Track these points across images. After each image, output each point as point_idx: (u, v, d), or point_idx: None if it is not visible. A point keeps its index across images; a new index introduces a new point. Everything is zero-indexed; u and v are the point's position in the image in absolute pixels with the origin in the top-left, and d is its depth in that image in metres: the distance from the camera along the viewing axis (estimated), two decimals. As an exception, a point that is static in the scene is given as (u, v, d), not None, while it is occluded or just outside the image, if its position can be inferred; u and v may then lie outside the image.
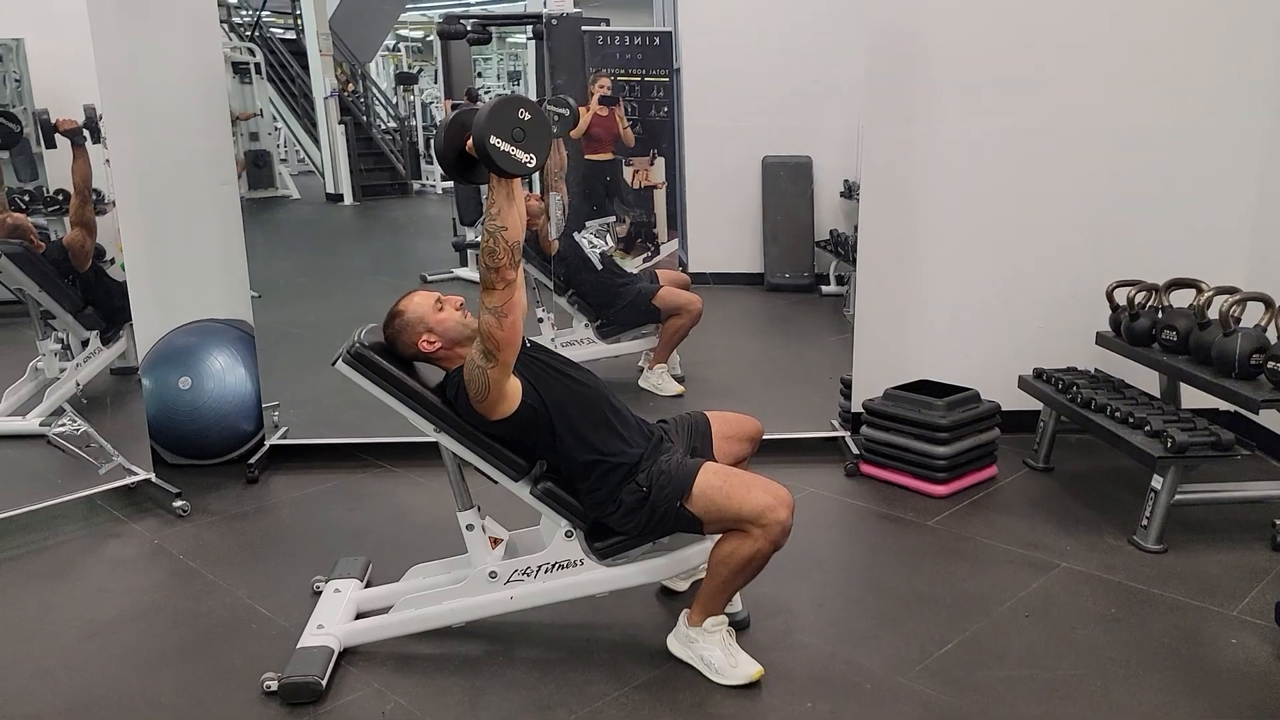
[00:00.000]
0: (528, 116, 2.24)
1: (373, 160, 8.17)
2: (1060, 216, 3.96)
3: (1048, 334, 4.03)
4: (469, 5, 7.37)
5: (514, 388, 2.42)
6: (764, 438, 2.80)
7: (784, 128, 5.18)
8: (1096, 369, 3.85)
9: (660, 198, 5.35)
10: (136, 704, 2.42)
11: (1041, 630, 2.73)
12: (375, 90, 8.09)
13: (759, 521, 2.37)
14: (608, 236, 4.39)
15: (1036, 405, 3.84)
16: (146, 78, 3.88)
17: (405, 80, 7.97)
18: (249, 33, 11.62)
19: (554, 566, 2.61)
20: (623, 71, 5.11)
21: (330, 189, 10.58)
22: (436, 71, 7.35)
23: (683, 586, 2.92)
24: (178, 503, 3.46)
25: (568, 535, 2.58)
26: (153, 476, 3.56)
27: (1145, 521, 3.17)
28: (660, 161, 5.21)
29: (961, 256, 4.00)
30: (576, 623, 2.76)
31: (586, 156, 4.88)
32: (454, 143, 2.36)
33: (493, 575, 2.60)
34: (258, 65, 11.18)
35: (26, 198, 3.86)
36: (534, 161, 2.26)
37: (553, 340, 4.70)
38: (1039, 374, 3.84)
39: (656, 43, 5.17)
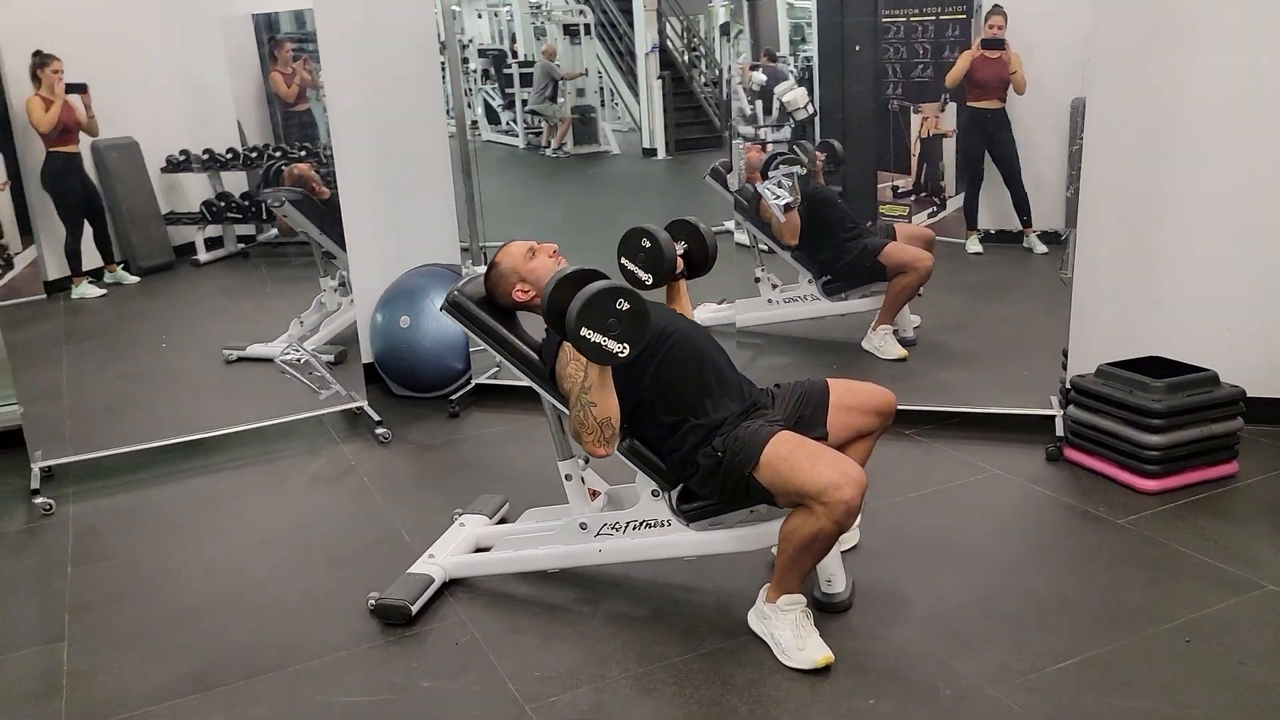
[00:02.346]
0: (625, 306, 2.20)
1: (690, 114, 8.19)
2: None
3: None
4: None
5: None
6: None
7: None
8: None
9: (950, 148, 4.99)
10: (268, 604, 2.74)
11: (1197, 659, 2.30)
12: (700, 43, 8.12)
13: (821, 498, 2.19)
14: (794, 185, 4.16)
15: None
16: (369, 35, 4.20)
17: (727, 32, 8.00)
18: (587, -6, 12.18)
19: (641, 524, 2.59)
20: (916, 11, 4.79)
21: (646, 143, 10.93)
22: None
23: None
24: (379, 430, 3.82)
25: (654, 494, 2.54)
26: (364, 405, 3.95)
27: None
28: (952, 107, 4.84)
29: (1221, 213, 3.39)
30: (674, 583, 2.72)
31: (969, 104, 4.61)
32: (557, 306, 2.27)
33: (583, 526, 2.63)
34: (587, 26, 11.74)
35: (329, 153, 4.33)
36: (626, 351, 2.22)
37: (771, 300, 4.58)
38: (1309, 357, 3.18)
39: (955, -23, 4.79)
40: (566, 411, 2.56)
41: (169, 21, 4.06)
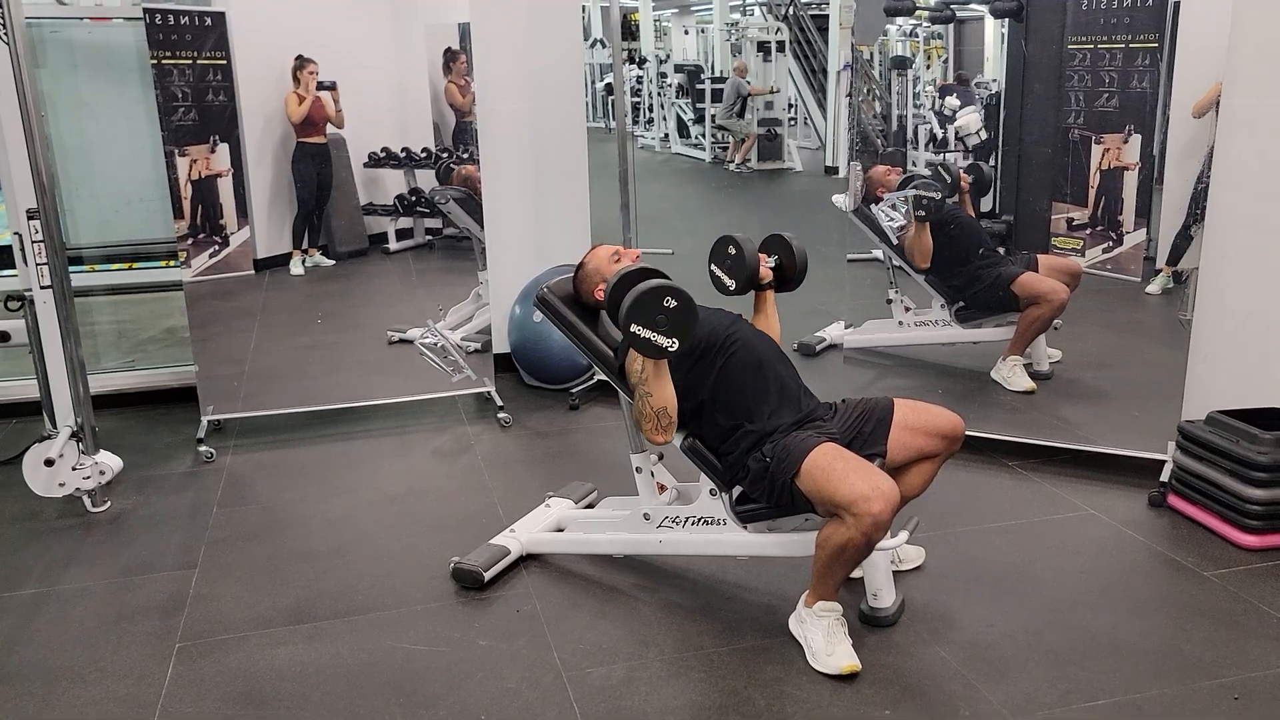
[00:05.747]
0: (673, 304, 2.38)
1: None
2: None
3: None
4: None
5: None
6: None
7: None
8: None
9: (1131, 181, 4.85)
10: (369, 557, 3.05)
11: (1239, 718, 2.23)
12: (873, 71, 8.25)
13: (851, 509, 2.28)
14: (906, 209, 4.15)
15: None
16: (518, 47, 4.52)
17: (899, 65, 8.09)
18: (784, 12, 12.35)
19: (699, 521, 2.73)
20: (1105, 39, 4.71)
21: (828, 162, 10.94)
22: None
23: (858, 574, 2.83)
24: (501, 414, 4.12)
25: (711, 493, 2.68)
26: (491, 390, 4.25)
27: None
28: (1136, 139, 4.71)
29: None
30: (730, 580, 2.85)
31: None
32: (616, 303, 2.46)
33: (646, 517, 2.80)
34: (781, 43, 11.87)
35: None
36: (675, 346, 2.40)
37: (902, 323, 4.60)
38: None
39: (1149, 4, 4.67)
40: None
41: (379, 26, 4.51)
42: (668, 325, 2.37)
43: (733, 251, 2.79)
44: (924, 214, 4.24)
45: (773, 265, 2.90)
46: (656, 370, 2.47)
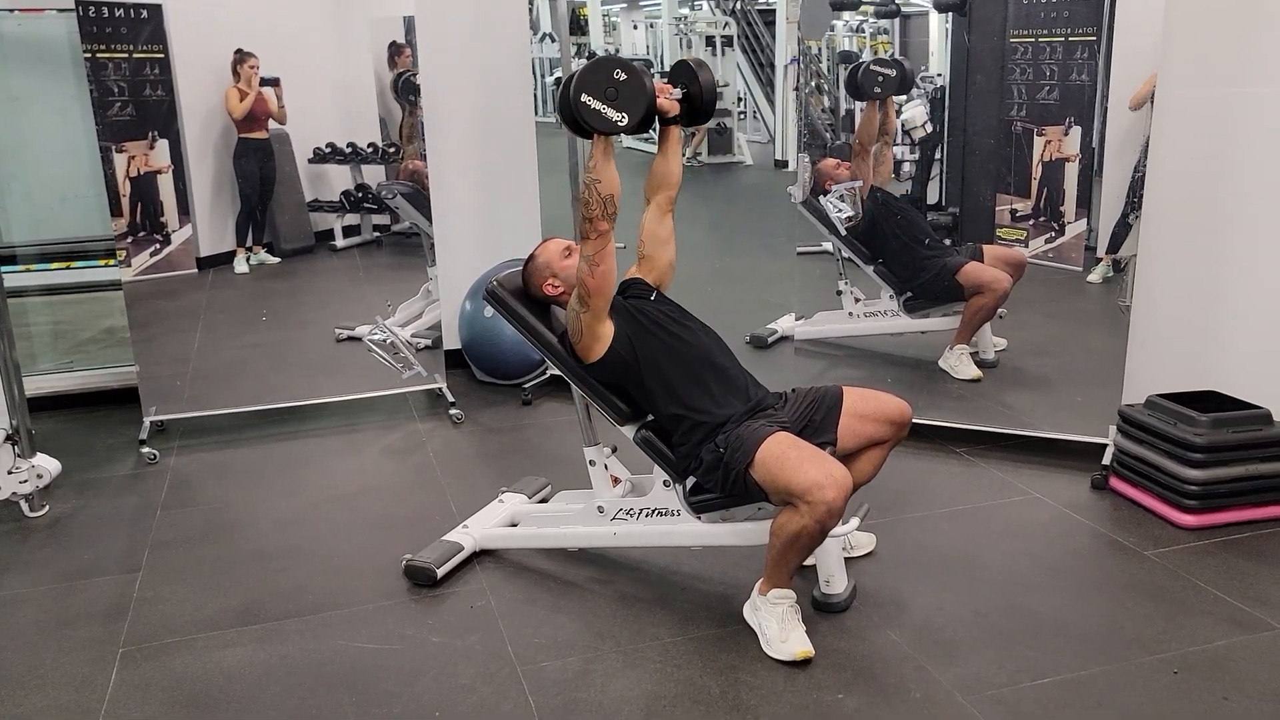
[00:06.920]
0: (623, 77, 2.36)
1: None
2: None
3: None
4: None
5: (605, 332, 2.57)
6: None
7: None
8: None
9: (1072, 172, 4.93)
10: (320, 556, 3.02)
11: (1180, 691, 2.29)
12: (822, 66, 8.34)
13: (805, 498, 2.30)
14: (855, 200, 4.20)
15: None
16: (465, 40, 4.48)
17: (846, 59, 8.18)
18: (731, 7, 12.39)
19: (653, 512, 2.74)
20: (1045, 32, 4.77)
21: (778, 155, 11.01)
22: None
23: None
24: (453, 411, 4.09)
25: (665, 484, 2.69)
26: (442, 386, 4.22)
27: None
28: (1076, 131, 4.79)
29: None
30: (685, 571, 2.86)
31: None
32: (568, 99, 2.47)
33: (600, 510, 2.80)
34: (729, 38, 11.90)
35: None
36: (625, 120, 2.38)
37: (852, 314, 4.64)
38: (1378, 402, 3.05)
39: (1088, -4, 4.75)
40: (593, 401, 2.74)
41: (322, 19, 4.43)
42: (617, 98, 2.35)
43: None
44: (879, 90, 4.35)
45: (679, 96, 2.60)
46: (605, 156, 2.44)
